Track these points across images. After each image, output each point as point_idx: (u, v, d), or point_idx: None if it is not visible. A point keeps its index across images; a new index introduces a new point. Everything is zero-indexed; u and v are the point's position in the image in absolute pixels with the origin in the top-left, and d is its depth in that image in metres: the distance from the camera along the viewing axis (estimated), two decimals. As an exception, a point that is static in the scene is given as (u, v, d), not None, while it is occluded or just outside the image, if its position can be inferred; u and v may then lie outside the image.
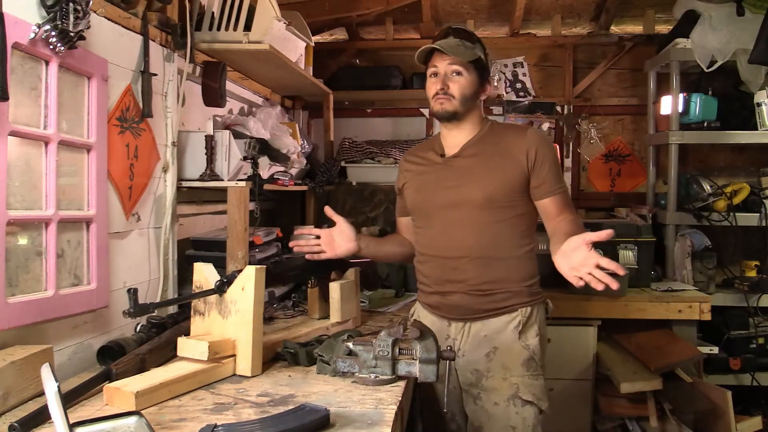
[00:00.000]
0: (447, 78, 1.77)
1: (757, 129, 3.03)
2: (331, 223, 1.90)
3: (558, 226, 1.72)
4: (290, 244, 1.94)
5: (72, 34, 1.41)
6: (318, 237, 1.87)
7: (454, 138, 1.84)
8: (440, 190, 1.82)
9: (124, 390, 1.27)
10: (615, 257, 2.91)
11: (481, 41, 1.83)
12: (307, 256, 1.86)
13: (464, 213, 1.77)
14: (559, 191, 1.77)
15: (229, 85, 2.46)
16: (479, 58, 1.79)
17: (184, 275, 2.03)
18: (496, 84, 3.54)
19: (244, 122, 2.42)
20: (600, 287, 1.43)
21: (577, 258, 1.47)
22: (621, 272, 1.41)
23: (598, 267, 1.42)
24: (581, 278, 1.46)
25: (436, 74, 1.79)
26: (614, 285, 1.41)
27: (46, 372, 1.06)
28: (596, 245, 1.47)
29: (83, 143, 1.58)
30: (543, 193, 1.77)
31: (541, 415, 1.75)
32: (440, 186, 1.82)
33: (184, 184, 2.09)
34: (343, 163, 3.38)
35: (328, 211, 1.88)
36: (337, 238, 1.87)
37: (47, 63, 1.44)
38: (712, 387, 2.64)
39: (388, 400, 1.32)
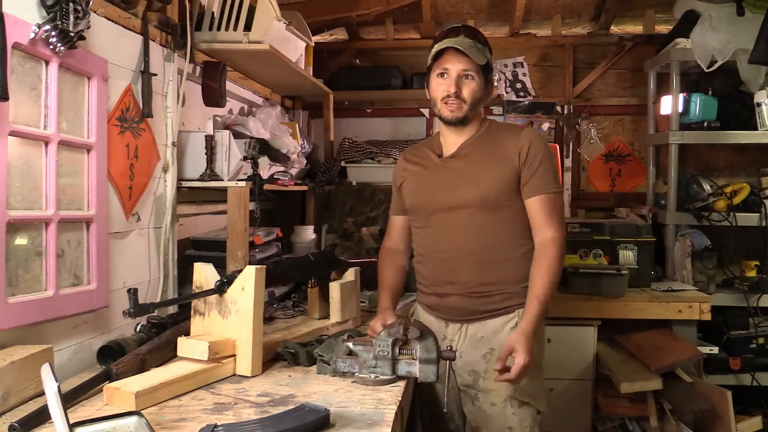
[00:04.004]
0: (459, 81, 1.72)
1: (757, 129, 3.03)
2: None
3: (537, 255, 1.73)
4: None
5: (72, 34, 1.41)
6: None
7: (454, 138, 1.83)
8: (437, 191, 1.80)
9: (124, 390, 1.27)
10: (615, 257, 2.93)
11: (488, 42, 1.81)
12: None
13: (461, 215, 1.76)
14: (548, 191, 1.72)
15: (229, 85, 2.46)
16: (488, 61, 1.77)
17: (184, 275, 2.03)
18: (495, 84, 3.54)
19: (244, 122, 2.42)
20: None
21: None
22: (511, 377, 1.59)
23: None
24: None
25: (443, 75, 1.74)
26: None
27: (46, 372, 1.06)
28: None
29: (83, 143, 1.58)
30: (530, 191, 1.73)
31: (539, 415, 1.75)
32: (437, 187, 1.81)
33: (184, 184, 2.09)
34: (343, 163, 3.37)
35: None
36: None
37: (47, 63, 1.43)
38: (712, 387, 2.64)
39: (388, 400, 1.32)
